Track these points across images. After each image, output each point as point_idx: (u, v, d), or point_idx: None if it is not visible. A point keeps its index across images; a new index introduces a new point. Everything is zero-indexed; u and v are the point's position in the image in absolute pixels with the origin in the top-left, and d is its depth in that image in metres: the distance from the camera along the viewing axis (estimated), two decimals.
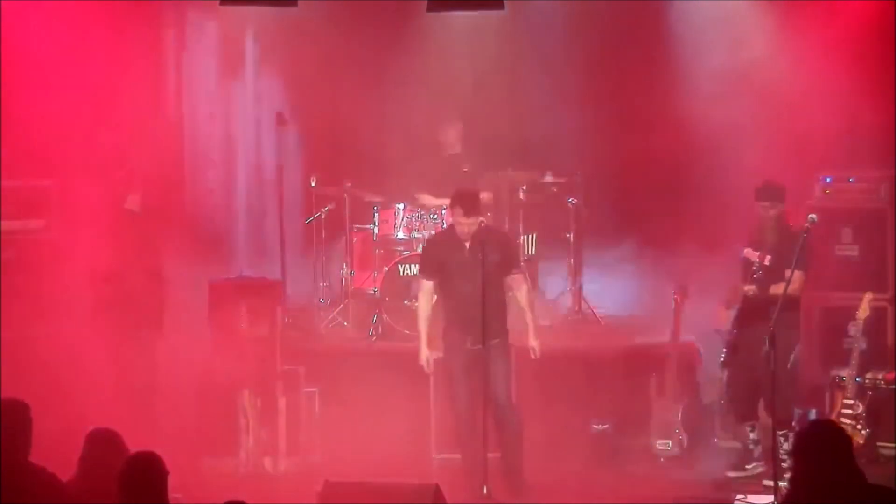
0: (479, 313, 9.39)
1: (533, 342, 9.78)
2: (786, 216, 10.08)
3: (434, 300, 9.85)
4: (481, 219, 9.70)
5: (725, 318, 10.21)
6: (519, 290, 9.82)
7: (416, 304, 10.10)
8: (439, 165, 12.46)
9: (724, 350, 10.19)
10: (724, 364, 10.25)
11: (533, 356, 9.78)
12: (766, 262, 9.98)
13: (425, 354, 9.75)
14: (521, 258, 10.56)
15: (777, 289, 9.53)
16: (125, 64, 12.10)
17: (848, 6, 11.57)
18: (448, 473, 9.72)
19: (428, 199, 12.26)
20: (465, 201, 9.56)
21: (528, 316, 9.81)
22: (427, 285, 9.76)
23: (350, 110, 13.02)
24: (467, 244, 9.59)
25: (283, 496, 9.50)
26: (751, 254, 10.11)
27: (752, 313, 9.92)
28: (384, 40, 13.13)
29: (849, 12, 11.54)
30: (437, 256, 9.76)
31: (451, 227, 9.81)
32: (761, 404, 10.14)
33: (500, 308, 9.66)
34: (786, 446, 9.44)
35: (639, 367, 11.04)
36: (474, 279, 9.44)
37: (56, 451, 7.16)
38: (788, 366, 9.74)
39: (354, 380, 10.96)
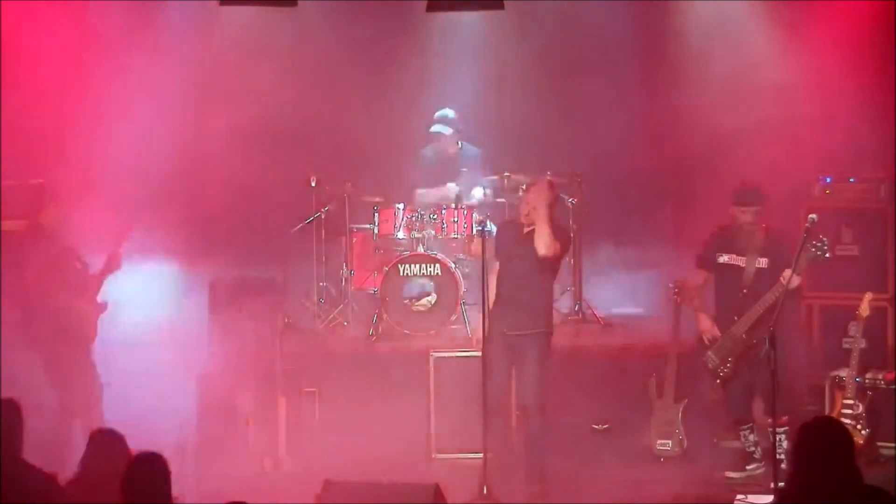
0: (520, 300, 9.58)
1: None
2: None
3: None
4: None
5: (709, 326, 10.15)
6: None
7: None
8: (436, 165, 12.48)
9: (729, 360, 10.08)
10: (725, 379, 10.16)
11: None
12: (762, 266, 9.96)
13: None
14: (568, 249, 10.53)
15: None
16: (124, 64, 12.12)
17: (848, 6, 11.58)
18: (448, 473, 9.72)
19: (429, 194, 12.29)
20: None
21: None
22: (496, 266, 9.89)
23: (350, 110, 13.02)
24: (525, 232, 9.69)
25: (283, 496, 9.48)
26: (736, 259, 10.06)
27: (760, 317, 9.85)
28: (384, 40, 13.14)
29: (849, 12, 11.55)
30: (501, 240, 9.90)
31: (517, 218, 9.98)
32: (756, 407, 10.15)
33: (542, 301, 9.76)
34: (785, 444, 9.40)
35: (639, 367, 11.05)
36: (523, 267, 9.60)
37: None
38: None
39: (354, 380, 10.97)
